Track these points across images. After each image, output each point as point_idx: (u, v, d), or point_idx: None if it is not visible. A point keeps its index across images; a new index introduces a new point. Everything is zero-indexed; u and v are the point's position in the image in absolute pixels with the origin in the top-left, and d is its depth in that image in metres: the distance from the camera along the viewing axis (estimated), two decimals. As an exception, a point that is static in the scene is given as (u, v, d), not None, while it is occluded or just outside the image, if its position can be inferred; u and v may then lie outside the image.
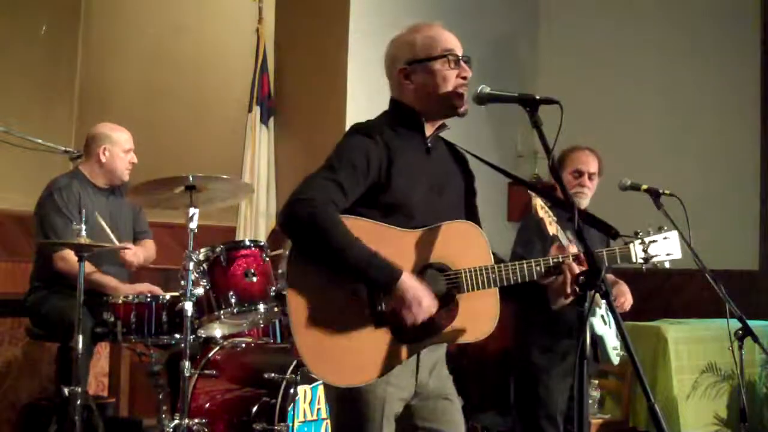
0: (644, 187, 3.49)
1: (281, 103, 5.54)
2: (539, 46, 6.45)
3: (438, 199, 2.22)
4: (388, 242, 2.07)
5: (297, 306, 2.01)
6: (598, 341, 3.44)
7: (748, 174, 5.49)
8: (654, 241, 2.72)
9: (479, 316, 2.18)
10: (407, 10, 5.26)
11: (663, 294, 5.41)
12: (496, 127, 5.82)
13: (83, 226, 3.39)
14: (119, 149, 4.00)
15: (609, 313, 3.47)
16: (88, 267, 3.70)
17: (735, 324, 3.17)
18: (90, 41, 6.03)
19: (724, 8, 5.65)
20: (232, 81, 5.93)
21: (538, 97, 2.04)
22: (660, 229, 2.76)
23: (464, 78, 2.22)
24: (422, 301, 2.03)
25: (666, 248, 2.76)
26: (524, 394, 3.54)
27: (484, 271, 2.15)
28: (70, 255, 3.74)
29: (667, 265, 2.80)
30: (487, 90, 2.12)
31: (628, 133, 5.89)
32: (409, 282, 2.02)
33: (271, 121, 5.48)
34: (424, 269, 2.12)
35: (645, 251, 2.70)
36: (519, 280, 2.17)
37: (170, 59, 6.18)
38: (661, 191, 3.45)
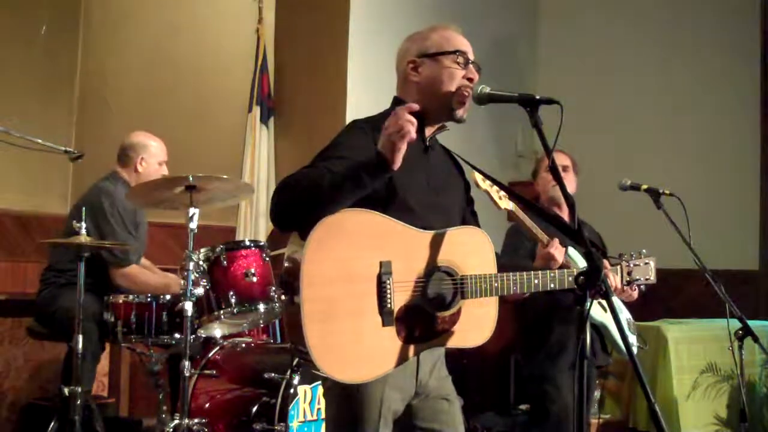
0: (644, 187, 3.49)
1: (281, 103, 5.54)
2: (539, 46, 6.45)
3: (435, 198, 2.23)
4: (400, 240, 2.07)
5: (311, 297, 1.98)
6: (603, 331, 3.44)
7: (748, 174, 5.49)
8: (637, 265, 2.87)
9: (478, 324, 2.20)
10: (407, 11, 5.26)
11: (663, 294, 5.40)
12: (496, 127, 5.83)
13: (83, 224, 3.40)
14: (155, 160, 4.10)
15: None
16: (151, 276, 3.92)
17: (735, 324, 3.17)
18: (90, 41, 6.03)
19: (724, 8, 5.65)
20: (232, 81, 5.93)
21: (538, 97, 2.04)
22: (640, 254, 2.90)
23: (470, 80, 2.23)
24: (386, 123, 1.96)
25: (645, 272, 2.92)
26: (535, 395, 3.56)
27: (488, 279, 2.17)
28: (134, 271, 3.82)
29: (643, 288, 3.00)
30: (487, 90, 2.13)
31: (628, 133, 5.89)
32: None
33: (271, 121, 5.48)
34: (432, 271, 2.12)
35: (629, 274, 2.84)
36: (518, 290, 2.21)
37: (170, 59, 6.18)
38: (661, 191, 3.46)
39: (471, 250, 2.19)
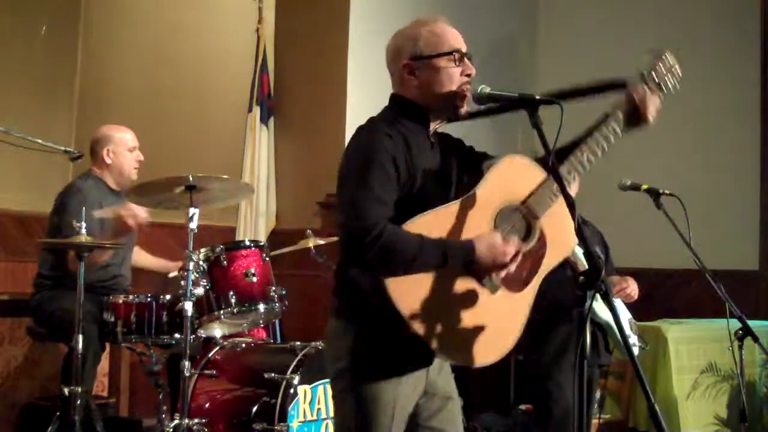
0: (644, 187, 3.49)
1: (281, 103, 5.53)
2: (539, 46, 6.45)
3: (448, 193, 2.22)
4: (452, 220, 2.06)
5: (401, 296, 1.97)
6: (606, 329, 3.44)
7: (749, 174, 5.49)
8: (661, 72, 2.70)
9: (562, 231, 2.17)
10: (407, 10, 5.25)
11: (663, 294, 5.40)
12: (496, 127, 5.82)
13: (83, 224, 3.40)
14: (123, 148, 4.03)
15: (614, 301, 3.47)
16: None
17: (735, 324, 3.17)
18: (90, 41, 6.03)
19: (724, 8, 5.65)
20: (232, 81, 5.92)
21: (538, 97, 2.04)
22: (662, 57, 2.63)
23: (468, 76, 2.22)
24: (497, 248, 2.02)
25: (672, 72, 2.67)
26: (537, 395, 3.56)
27: (545, 188, 2.16)
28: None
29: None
30: (487, 90, 2.12)
31: (628, 133, 5.88)
32: (482, 245, 2.02)
33: (271, 121, 5.47)
34: (495, 219, 2.11)
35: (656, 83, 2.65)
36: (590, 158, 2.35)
37: (170, 59, 6.17)
38: (661, 191, 3.45)
39: (517, 179, 2.18)
